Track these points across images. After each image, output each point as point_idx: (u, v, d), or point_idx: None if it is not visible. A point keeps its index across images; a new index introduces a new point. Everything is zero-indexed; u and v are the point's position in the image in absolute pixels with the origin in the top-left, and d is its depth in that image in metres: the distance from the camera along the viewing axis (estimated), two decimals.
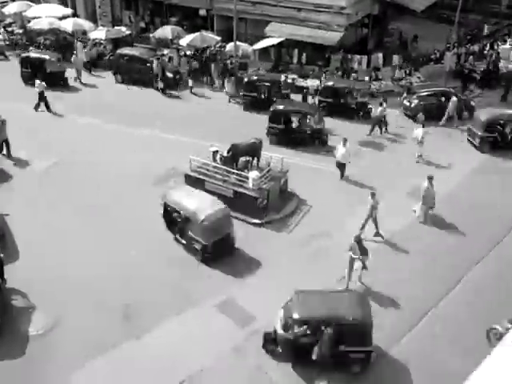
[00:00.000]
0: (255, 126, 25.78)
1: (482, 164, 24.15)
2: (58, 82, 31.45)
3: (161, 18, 38.74)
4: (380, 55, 33.73)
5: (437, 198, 19.60)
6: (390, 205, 20.22)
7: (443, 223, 19.91)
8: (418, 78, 32.14)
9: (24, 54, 32.70)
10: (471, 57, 33.98)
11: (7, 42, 37.41)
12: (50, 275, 16.90)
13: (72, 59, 32.89)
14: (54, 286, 16.44)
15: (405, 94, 29.54)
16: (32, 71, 31.16)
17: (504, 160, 24.26)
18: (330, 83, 28.86)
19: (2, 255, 16.31)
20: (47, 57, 31.94)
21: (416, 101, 28.11)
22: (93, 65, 34.79)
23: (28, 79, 31.22)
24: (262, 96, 28.57)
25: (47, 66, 31.28)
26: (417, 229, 19.68)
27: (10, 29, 39.21)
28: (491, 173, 23.27)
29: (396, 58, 33.55)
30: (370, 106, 27.67)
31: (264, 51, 34.34)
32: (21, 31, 38.57)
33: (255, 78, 29.45)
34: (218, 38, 34.61)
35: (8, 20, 40.62)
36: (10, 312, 15.45)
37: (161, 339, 14.91)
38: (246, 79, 29.31)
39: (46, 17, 36.94)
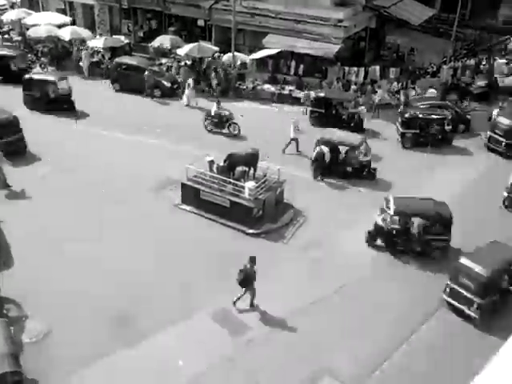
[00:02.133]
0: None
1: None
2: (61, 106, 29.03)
3: (159, 28, 38.87)
4: (377, 68, 33.90)
5: None
6: None
7: None
8: (414, 89, 32.25)
9: (27, 76, 29.84)
10: (468, 71, 34.18)
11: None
12: (45, 283, 16.79)
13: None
14: (48, 294, 16.29)
15: (402, 107, 29.66)
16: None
17: None
18: (322, 94, 29.16)
19: None
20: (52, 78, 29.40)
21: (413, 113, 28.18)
22: (90, 72, 34.89)
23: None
24: None
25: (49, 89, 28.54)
26: None
27: (8, 36, 39.26)
28: None
29: (393, 71, 33.76)
30: (361, 117, 27.81)
31: (262, 62, 34.50)
32: (19, 38, 38.60)
33: None
34: (216, 49, 34.75)
35: (6, 27, 40.72)
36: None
37: (155, 348, 14.81)
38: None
39: (44, 24, 37.05)
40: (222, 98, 29.91)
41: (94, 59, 35.46)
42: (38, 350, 14.57)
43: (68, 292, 16.41)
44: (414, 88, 32.31)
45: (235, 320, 15.84)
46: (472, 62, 35.69)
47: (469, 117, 28.82)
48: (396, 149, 26.86)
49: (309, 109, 29.48)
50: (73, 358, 14.28)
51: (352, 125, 27.86)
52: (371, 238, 19.13)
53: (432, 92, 31.15)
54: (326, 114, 28.38)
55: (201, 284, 17.21)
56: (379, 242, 19.09)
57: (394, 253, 18.79)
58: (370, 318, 16.12)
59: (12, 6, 44.69)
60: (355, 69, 33.44)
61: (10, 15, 40.20)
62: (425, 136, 26.51)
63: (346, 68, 33.55)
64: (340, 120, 28.02)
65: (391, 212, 18.55)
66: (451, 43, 34.22)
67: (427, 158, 25.76)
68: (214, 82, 32.57)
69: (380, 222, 18.74)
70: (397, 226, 18.45)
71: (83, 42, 36.99)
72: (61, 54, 36.34)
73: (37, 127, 26.49)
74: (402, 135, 27.03)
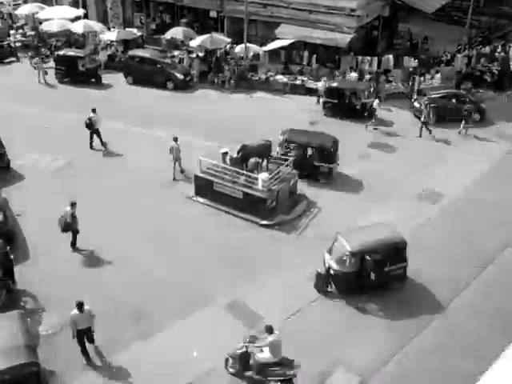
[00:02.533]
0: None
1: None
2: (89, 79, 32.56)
3: (172, 21, 38.85)
4: (390, 57, 33.64)
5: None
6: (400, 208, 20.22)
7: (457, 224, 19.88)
8: (432, 79, 31.99)
9: (60, 52, 33.28)
10: (483, 59, 33.79)
11: (19, 44, 37.59)
12: (60, 277, 16.98)
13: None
14: (63, 288, 16.47)
15: (415, 96, 29.49)
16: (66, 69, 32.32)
17: None
18: (334, 84, 29.04)
19: (11, 256, 16.36)
20: (80, 54, 32.83)
21: (427, 102, 28.03)
22: (104, 66, 35.10)
23: (62, 77, 32.64)
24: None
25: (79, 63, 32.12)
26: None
27: (21, 31, 39.51)
28: None
29: (409, 60, 33.40)
30: (374, 107, 27.58)
31: (274, 53, 34.39)
32: (33, 33, 38.82)
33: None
34: (229, 40, 34.70)
35: (20, 22, 40.97)
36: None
37: (169, 340, 14.93)
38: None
39: (57, 18, 37.23)
40: (234, 90, 29.87)
41: (108, 52, 35.65)
42: (56, 341, 14.77)
43: (83, 285, 16.58)
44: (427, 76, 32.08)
45: (248, 311, 15.90)
46: (487, 49, 35.28)
47: (484, 106, 28.54)
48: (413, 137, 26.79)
49: (322, 99, 29.37)
50: (90, 350, 14.45)
51: (365, 114, 27.77)
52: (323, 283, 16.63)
53: (438, 77, 31.28)
54: (339, 104, 28.29)
55: (214, 275, 17.30)
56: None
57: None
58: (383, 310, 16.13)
59: (25, 1, 44.96)
60: (368, 58, 33.23)
61: (24, 10, 40.41)
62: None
63: (360, 57, 33.34)
64: (353, 110, 27.92)
65: (348, 252, 16.20)
66: (466, 31, 33.79)
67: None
68: (228, 75, 32.54)
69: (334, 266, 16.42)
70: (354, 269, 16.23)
71: (95, 36, 37.14)
72: (74, 48, 36.54)
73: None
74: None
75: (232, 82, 32.37)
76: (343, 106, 28.24)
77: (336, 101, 28.34)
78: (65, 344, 14.53)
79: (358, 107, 28.00)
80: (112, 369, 14.09)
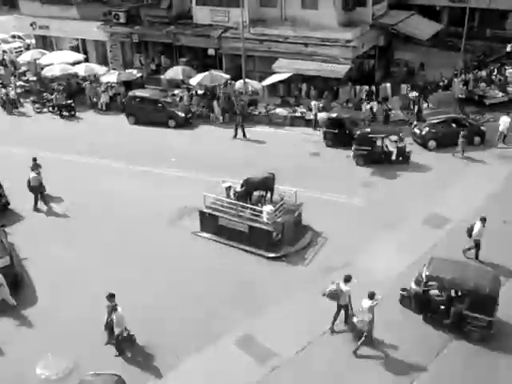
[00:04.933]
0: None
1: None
2: None
3: (171, 60, 39.46)
4: (388, 85, 34.03)
5: None
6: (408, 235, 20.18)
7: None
8: (427, 105, 32.28)
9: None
10: (483, 83, 34.11)
11: (20, 90, 38.16)
12: (67, 320, 16.90)
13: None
14: (72, 329, 16.43)
15: (415, 122, 29.68)
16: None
17: None
18: (334, 114, 29.23)
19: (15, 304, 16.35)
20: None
21: (427, 128, 28.21)
22: (106, 107, 35.60)
23: None
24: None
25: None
26: None
27: (25, 78, 40.21)
28: None
29: (404, 87, 33.80)
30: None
31: (273, 87, 34.82)
32: (35, 78, 39.49)
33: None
34: (227, 76, 35.15)
35: (22, 68, 41.72)
36: None
37: (181, 377, 14.81)
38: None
39: (58, 63, 37.93)
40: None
41: (109, 94, 36.19)
42: None
43: (89, 322, 16.53)
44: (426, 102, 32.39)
45: (259, 346, 15.75)
46: (483, 73, 35.67)
47: (484, 129, 28.68)
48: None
49: (322, 130, 29.56)
50: None
51: (400, 159, 26.92)
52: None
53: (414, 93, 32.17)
54: (339, 133, 28.36)
55: (224, 310, 17.20)
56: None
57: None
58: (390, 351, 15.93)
59: (27, 48, 45.93)
60: (366, 87, 33.59)
61: (26, 56, 41.26)
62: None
63: (357, 87, 33.71)
64: (353, 139, 27.98)
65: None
66: (461, 56, 34.22)
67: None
68: (216, 110, 32.94)
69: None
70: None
71: (96, 78, 37.73)
72: (75, 91, 37.15)
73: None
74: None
75: (220, 116, 32.82)
76: (343, 135, 28.27)
77: (336, 131, 28.49)
78: None
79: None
80: None
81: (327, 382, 14.52)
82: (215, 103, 33.22)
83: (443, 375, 14.72)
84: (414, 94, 32.09)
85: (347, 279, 15.74)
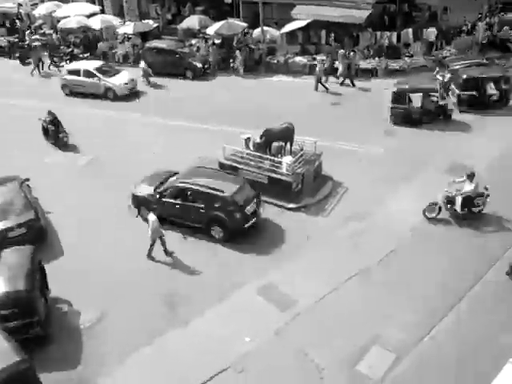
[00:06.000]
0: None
1: None
2: None
3: (187, 9, 38.77)
4: (410, 30, 33.08)
5: None
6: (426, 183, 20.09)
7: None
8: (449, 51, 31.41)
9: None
10: (506, 26, 32.96)
11: (38, 43, 37.96)
12: (93, 270, 17.32)
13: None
14: (97, 281, 16.85)
15: (437, 69, 28.97)
16: None
17: None
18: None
19: (43, 265, 16.59)
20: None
21: (449, 75, 27.53)
22: (124, 58, 35.40)
23: None
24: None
25: None
26: None
27: (41, 31, 39.96)
28: None
29: (432, 32, 32.69)
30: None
31: (292, 34, 34.13)
32: (51, 31, 39.21)
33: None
34: (245, 25, 34.53)
35: (38, 22, 41.40)
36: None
37: (204, 326, 15.15)
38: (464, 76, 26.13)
39: (74, 16, 37.57)
40: (253, 74, 29.73)
41: (126, 46, 35.85)
42: (93, 334, 15.12)
43: (115, 276, 16.94)
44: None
45: (280, 294, 16.00)
46: (510, 15, 34.39)
47: (509, 75, 27.85)
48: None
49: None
50: (128, 340, 14.79)
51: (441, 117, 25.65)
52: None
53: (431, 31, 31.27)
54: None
55: (245, 260, 17.46)
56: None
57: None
58: (415, 286, 16.06)
59: (42, 0, 45.39)
60: (387, 33, 32.74)
61: (41, 9, 40.99)
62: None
63: (378, 33, 32.89)
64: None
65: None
66: None
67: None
68: (238, 60, 32.46)
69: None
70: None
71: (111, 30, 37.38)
72: (92, 43, 36.87)
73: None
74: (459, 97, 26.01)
75: (241, 67, 32.28)
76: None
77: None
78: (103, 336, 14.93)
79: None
80: (151, 355, 14.37)
81: (346, 326, 14.79)
82: (238, 53, 32.68)
83: None
84: (447, 76, 30.21)
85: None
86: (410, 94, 24.88)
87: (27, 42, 37.92)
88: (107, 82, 29.91)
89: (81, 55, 34.93)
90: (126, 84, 29.98)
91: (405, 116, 25.07)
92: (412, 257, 17.03)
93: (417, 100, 24.87)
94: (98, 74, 29.92)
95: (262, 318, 15.22)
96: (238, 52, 32.76)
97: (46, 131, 25.28)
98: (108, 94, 29.86)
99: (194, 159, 22.16)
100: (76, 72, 30.52)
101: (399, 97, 25.10)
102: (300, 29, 33.56)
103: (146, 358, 14.31)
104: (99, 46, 36.38)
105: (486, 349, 13.76)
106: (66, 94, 31.01)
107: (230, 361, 14.01)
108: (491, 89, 25.52)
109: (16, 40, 38.70)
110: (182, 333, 14.97)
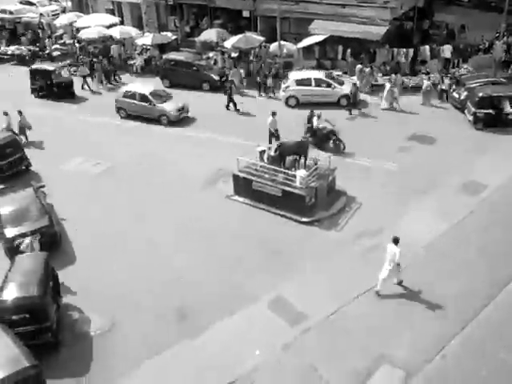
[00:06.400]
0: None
1: None
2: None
3: (205, 22, 39.17)
4: (427, 47, 33.15)
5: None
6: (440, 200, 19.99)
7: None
8: (466, 69, 31.37)
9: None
10: None
11: (58, 53, 38.52)
12: (105, 278, 17.43)
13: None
14: (108, 289, 16.94)
15: (454, 87, 28.96)
16: None
17: None
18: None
19: (56, 272, 16.70)
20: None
21: (465, 93, 27.50)
22: (141, 70, 35.73)
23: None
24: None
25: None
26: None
27: (61, 41, 40.57)
28: None
29: (444, 49, 32.74)
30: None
31: (308, 49, 34.31)
32: (71, 41, 39.78)
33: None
34: (262, 39, 34.77)
35: (59, 31, 42.04)
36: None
37: (213, 338, 15.13)
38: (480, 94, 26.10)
39: (94, 26, 38.12)
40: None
41: (144, 57, 36.29)
42: (104, 341, 15.17)
43: (127, 286, 17.03)
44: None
45: (291, 309, 15.96)
46: None
47: None
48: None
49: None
50: (137, 350, 14.82)
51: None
52: None
53: (447, 48, 31.52)
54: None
55: (257, 273, 17.44)
56: None
57: None
58: (427, 304, 15.96)
59: (63, 11, 46.17)
60: (404, 50, 32.81)
61: (63, 20, 41.64)
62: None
63: (395, 49, 32.97)
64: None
65: None
66: (503, 17, 32.99)
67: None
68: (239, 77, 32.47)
69: None
70: None
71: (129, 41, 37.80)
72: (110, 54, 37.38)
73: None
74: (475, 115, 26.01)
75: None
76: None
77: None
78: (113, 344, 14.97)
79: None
80: (160, 366, 14.38)
81: (357, 342, 14.68)
82: (252, 66, 32.77)
83: None
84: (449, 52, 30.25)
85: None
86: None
87: (47, 51, 38.57)
88: (162, 107, 28.78)
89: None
90: (180, 111, 28.96)
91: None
92: (424, 275, 16.92)
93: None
94: (152, 100, 28.81)
95: (271, 332, 15.17)
96: (252, 65, 32.84)
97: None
98: (162, 119, 28.86)
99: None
100: (132, 95, 29.39)
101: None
102: (317, 44, 33.73)
103: (154, 369, 14.33)
104: (112, 49, 36.84)
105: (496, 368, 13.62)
106: (121, 117, 29.77)
107: (239, 374, 13.97)
108: (508, 107, 25.48)
109: (37, 49, 39.31)
110: (192, 345, 14.96)
